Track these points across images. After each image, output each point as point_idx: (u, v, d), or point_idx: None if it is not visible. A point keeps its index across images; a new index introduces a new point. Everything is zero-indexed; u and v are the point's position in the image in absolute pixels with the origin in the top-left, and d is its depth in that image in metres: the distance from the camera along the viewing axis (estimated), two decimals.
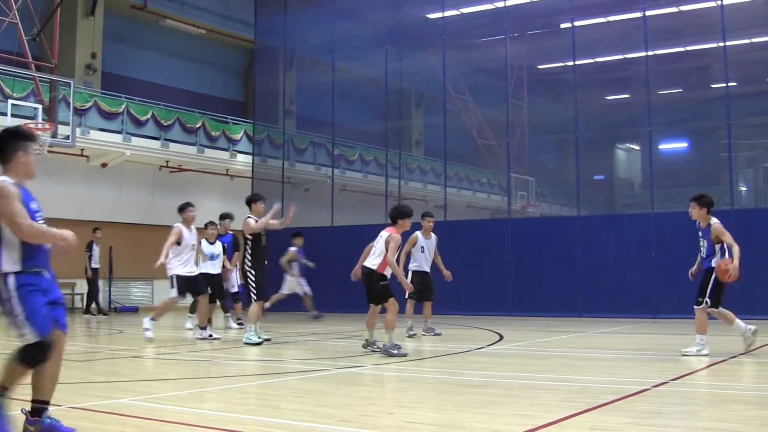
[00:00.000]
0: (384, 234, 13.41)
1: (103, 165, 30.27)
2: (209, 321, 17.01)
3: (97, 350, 14.57)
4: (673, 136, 39.54)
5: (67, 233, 6.33)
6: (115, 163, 30.24)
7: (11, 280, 6.20)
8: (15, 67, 24.32)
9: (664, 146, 38.44)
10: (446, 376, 10.62)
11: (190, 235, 16.84)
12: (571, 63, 26.72)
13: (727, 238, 12.05)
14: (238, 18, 37.07)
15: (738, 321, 12.38)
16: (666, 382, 9.46)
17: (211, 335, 16.41)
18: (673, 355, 12.20)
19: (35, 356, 6.29)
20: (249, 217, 15.45)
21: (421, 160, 39.23)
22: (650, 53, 25.78)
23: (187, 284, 16.57)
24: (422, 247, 17.32)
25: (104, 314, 26.74)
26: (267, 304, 20.23)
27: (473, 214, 38.74)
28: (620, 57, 33.62)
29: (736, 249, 11.94)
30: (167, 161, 31.77)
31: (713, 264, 12.17)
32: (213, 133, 32.89)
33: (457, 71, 31.94)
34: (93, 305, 26.40)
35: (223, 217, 19.69)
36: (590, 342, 16.07)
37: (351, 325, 20.12)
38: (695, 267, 12.64)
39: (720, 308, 12.28)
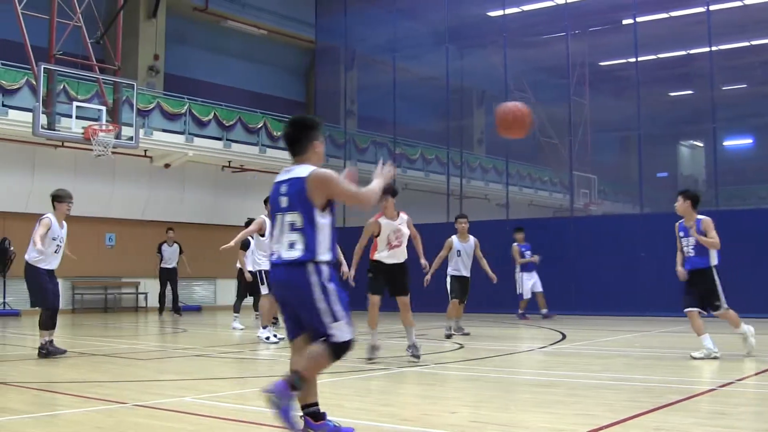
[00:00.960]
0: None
1: (166, 166, 30.54)
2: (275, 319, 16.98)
3: (162, 349, 14.70)
4: (738, 132, 38.96)
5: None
6: (178, 163, 30.48)
7: (326, 270, 6.10)
8: (79, 69, 24.64)
9: (728, 143, 37.91)
10: (509, 375, 10.58)
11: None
12: (633, 59, 26.52)
13: (714, 235, 11.86)
14: (298, 18, 37.19)
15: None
16: (732, 383, 9.34)
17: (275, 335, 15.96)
18: (738, 356, 12.03)
19: (344, 353, 6.20)
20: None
21: (482, 159, 39.09)
22: (714, 48, 25.48)
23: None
24: (458, 250, 17.01)
25: (178, 314, 26.82)
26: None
27: (535, 212, 38.54)
28: (683, 53, 33.29)
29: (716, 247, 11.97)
30: (229, 161, 31.96)
31: (712, 263, 11.98)
32: (275, 133, 33.01)
33: (519, 69, 31.79)
34: (169, 305, 26.64)
35: None
36: (654, 341, 15.91)
37: (418, 323, 20.09)
38: (682, 267, 12.33)
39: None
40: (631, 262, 23.77)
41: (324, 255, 6.09)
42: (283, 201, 6.33)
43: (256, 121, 32.44)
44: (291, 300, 6.17)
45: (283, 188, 6.40)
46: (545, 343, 14.88)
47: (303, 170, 6.42)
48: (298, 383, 5.98)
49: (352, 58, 34.13)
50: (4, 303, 26.21)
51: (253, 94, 36.84)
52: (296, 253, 6.08)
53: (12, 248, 25.94)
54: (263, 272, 16.11)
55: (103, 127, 23.42)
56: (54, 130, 23.09)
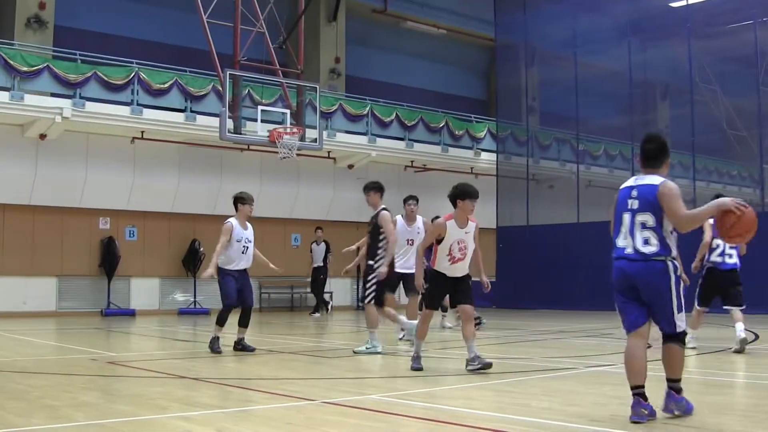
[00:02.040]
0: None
1: (350, 166, 30.91)
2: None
3: (347, 347, 14.86)
4: None
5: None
6: (361, 164, 30.81)
7: (677, 265, 7.09)
8: (263, 74, 25.17)
9: None
10: (701, 377, 10.28)
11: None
12: None
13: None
14: (478, 17, 37.09)
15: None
16: None
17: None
18: None
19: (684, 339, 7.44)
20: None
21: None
22: None
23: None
24: None
25: (326, 310, 27.22)
26: None
27: None
28: None
29: None
30: (412, 161, 32.13)
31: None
32: (456, 132, 33.03)
33: (704, 60, 30.90)
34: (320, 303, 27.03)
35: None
36: None
37: (599, 323, 19.80)
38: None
39: None
40: None
41: (675, 251, 7.05)
42: (634, 203, 7.13)
43: (438, 121, 32.52)
44: (645, 289, 7.07)
45: (634, 192, 7.19)
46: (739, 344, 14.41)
47: (655, 179, 7.17)
48: (678, 387, 7.24)
49: (533, 55, 33.83)
50: (195, 302, 27.03)
51: (434, 94, 36.95)
52: (653, 248, 6.99)
53: (201, 249, 26.73)
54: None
55: (288, 130, 23.83)
56: (240, 134, 23.63)
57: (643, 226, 7.03)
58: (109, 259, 25.98)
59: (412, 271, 13.97)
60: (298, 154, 24.48)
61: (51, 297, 25.63)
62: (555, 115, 34.02)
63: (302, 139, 24.34)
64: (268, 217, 28.16)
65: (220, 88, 24.03)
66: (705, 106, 31.78)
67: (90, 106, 24.14)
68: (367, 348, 13.03)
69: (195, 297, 27.18)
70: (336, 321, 24.21)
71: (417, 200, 16.00)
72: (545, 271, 27.94)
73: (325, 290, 27.51)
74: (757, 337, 15.52)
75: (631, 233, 7.09)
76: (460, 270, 10.81)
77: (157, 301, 27.01)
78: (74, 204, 25.76)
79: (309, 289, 27.88)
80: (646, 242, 7.00)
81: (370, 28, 35.75)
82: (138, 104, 25.02)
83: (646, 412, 6.93)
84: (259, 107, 24.18)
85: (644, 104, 32.83)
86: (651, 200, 7.03)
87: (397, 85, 36.05)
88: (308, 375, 10.84)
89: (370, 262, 13.23)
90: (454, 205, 11.02)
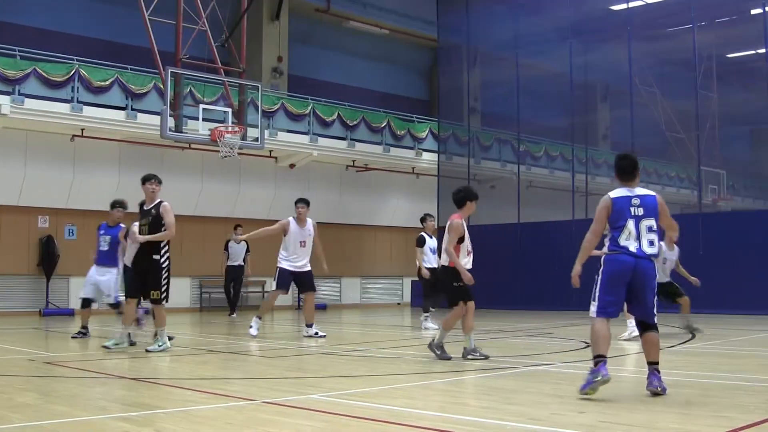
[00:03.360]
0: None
1: (291, 166, 30.88)
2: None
3: (289, 347, 14.85)
4: None
5: None
6: (303, 163, 30.80)
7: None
8: (205, 72, 25.03)
9: None
10: (638, 375, 10.41)
11: None
12: (763, 50, 25.85)
13: None
14: (420, 17, 37.23)
15: None
16: None
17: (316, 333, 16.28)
18: None
19: None
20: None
21: (608, 155, 38.52)
22: None
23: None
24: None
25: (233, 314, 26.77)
26: None
27: None
28: None
29: None
30: (354, 161, 32.17)
31: None
32: (398, 132, 33.12)
33: (644, 63, 31.24)
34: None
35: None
36: None
37: (538, 323, 19.96)
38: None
39: None
40: (763, 259, 23.16)
41: None
42: (639, 210, 8.53)
43: (380, 121, 32.59)
44: (639, 283, 8.46)
45: (636, 200, 8.57)
46: (675, 343, 14.61)
47: (648, 191, 8.78)
48: (659, 368, 8.48)
49: (475, 56, 34.02)
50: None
51: (376, 94, 37.03)
52: (655, 249, 8.51)
53: None
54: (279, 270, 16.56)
55: (229, 129, 23.73)
56: (181, 132, 23.49)
57: (650, 229, 8.50)
58: (48, 258, 25.73)
59: (306, 269, 16.42)
60: (239, 153, 24.39)
61: None
62: (496, 115, 34.22)
63: (244, 138, 24.24)
64: (209, 216, 28.07)
65: (162, 86, 23.87)
66: (644, 108, 32.14)
67: (29, 102, 23.89)
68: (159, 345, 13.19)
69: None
70: (275, 321, 24.14)
71: (307, 203, 17.07)
72: (485, 271, 27.97)
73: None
74: (693, 335, 15.74)
75: (638, 236, 8.46)
76: (470, 263, 12.09)
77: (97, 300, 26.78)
78: (12, 202, 25.47)
79: (224, 289, 26.97)
80: (651, 244, 8.46)
81: (312, 27, 35.73)
82: (78, 101, 24.81)
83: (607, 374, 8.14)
84: (201, 106, 24.04)
85: (585, 106, 33.11)
86: (653, 208, 8.60)
87: (339, 85, 36.08)
88: (249, 375, 10.83)
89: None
90: (462, 205, 12.23)
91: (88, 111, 24.95)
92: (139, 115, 25.68)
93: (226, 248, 25.99)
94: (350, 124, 31.35)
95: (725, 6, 28.77)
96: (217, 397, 8.44)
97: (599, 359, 8.22)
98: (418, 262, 19.15)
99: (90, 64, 25.56)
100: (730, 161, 37.22)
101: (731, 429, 6.41)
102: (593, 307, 8.55)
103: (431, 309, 19.21)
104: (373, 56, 38.13)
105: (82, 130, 25.35)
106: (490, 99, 34.49)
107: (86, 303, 16.69)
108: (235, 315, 25.54)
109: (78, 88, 24.89)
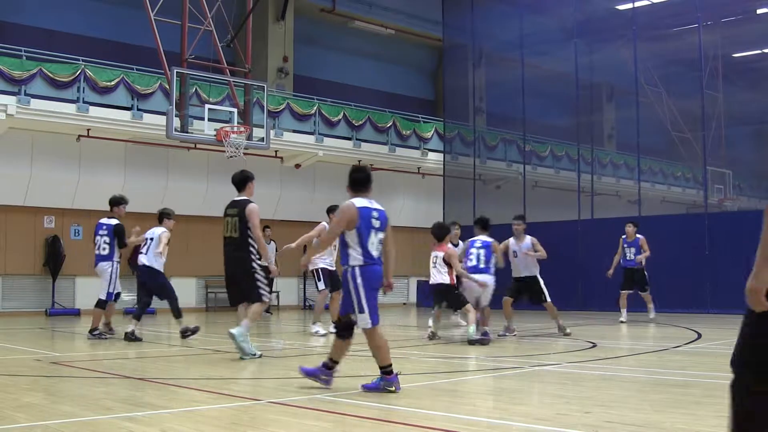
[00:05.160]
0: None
1: (297, 166, 30.89)
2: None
3: (294, 347, 14.86)
4: None
5: None
6: (309, 163, 30.81)
7: None
8: (211, 73, 25.07)
9: None
10: (644, 375, 10.40)
11: None
12: None
13: None
14: (426, 17, 37.23)
15: None
16: None
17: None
18: None
19: None
20: None
21: (613, 155, 38.51)
22: None
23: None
24: (514, 251, 17.12)
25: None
26: None
27: (668, 209, 37.77)
28: None
29: None
30: (359, 161, 32.12)
31: None
32: (404, 132, 33.12)
33: (649, 63, 31.23)
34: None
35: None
36: None
37: (544, 323, 19.96)
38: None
39: None
40: None
41: None
42: (377, 223, 8.92)
43: (385, 121, 32.59)
44: None
45: (375, 214, 8.97)
46: (680, 343, 14.59)
47: (378, 205, 9.18)
48: None
49: (480, 56, 34.00)
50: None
51: (382, 94, 37.05)
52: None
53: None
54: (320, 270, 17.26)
55: (235, 129, 23.75)
56: (187, 132, 23.51)
57: (380, 242, 9.07)
58: (53, 258, 25.76)
59: (334, 268, 17.45)
60: (245, 153, 24.40)
61: None
62: (502, 115, 34.21)
63: (249, 138, 24.27)
64: (214, 216, 27.97)
65: (167, 87, 23.90)
66: (650, 108, 32.16)
67: (35, 103, 23.92)
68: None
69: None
70: (283, 321, 24.16)
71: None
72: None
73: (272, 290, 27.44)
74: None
75: (376, 246, 8.97)
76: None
77: None
78: (18, 202, 25.50)
79: None
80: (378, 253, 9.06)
81: (318, 27, 35.74)
82: (84, 102, 24.84)
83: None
84: (207, 106, 24.06)
85: (590, 106, 33.09)
86: (386, 222, 9.20)
87: (344, 85, 36.09)
88: (255, 375, 10.82)
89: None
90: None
91: (94, 111, 24.98)
92: (144, 115, 25.71)
93: None
94: (356, 124, 31.37)
95: (731, 5, 28.75)
96: (223, 397, 8.44)
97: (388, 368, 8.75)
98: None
99: (96, 65, 25.59)
100: (736, 161, 37.21)
101: None
102: (371, 318, 8.88)
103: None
104: (378, 56, 38.15)
105: (88, 130, 25.38)
106: (495, 99, 34.48)
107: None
108: (270, 313, 25.96)
109: (84, 88, 24.92)
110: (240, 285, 12.64)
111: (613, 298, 21.33)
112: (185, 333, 15.89)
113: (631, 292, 20.61)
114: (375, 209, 9.01)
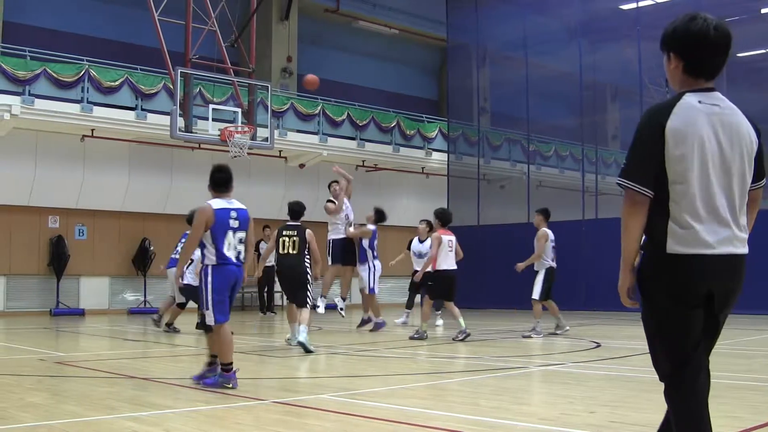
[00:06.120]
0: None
1: (301, 166, 30.88)
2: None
3: (297, 347, 14.87)
4: None
5: None
6: (313, 163, 30.79)
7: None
8: (215, 73, 25.07)
9: None
10: (648, 375, 10.36)
11: None
12: None
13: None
14: (429, 17, 37.20)
15: None
16: None
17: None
18: None
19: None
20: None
21: (617, 155, 38.41)
22: None
23: None
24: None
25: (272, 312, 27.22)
26: None
27: None
28: None
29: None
30: (363, 160, 32.15)
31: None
32: (408, 132, 33.10)
33: (653, 62, 31.09)
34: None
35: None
36: None
37: (548, 323, 19.95)
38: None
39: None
40: None
41: None
42: (236, 223, 9.43)
43: (389, 121, 32.58)
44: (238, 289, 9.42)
45: (233, 214, 9.52)
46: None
47: (239, 204, 9.78)
48: None
49: (484, 55, 33.97)
50: (145, 301, 26.83)
51: (386, 94, 37.03)
52: (242, 258, 9.37)
53: (152, 248, 26.62)
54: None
55: (239, 129, 23.75)
56: (191, 132, 23.50)
57: (240, 241, 9.54)
58: (58, 258, 25.75)
59: None
60: (249, 153, 24.39)
61: None
62: (506, 115, 34.18)
63: (253, 138, 24.26)
64: None
65: (171, 87, 23.88)
66: None
67: (39, 103, 23.91)
68: None
69: (145, 296, 26.99)
70: (284, 321, 24.14)
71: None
72: (496, 271, 28.03)
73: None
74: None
75: (236, 245, 9.50)
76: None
77: (107, 300, 26.79)
78: (23, 202, 25.51)
79: (259, 290, 27.48)
80: (239, 254, 9.54)
81: (322, 27, 35.74)
82: (88, 102, 24.82)
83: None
84: (210, 106, 24.05)
85: (594, 105, 33.04)
86: (246, 222, 9.73)
87: (348, 85, 36.07)
88: (259, 375, 10.83)
89: None
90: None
91: (98, 111, 24.97)
92: (148, 115, 25.69)
93: (258, 249, 26.17)
94: (360, 124, 31.35)
95: (735, 5, 28.65)
96: (227, 397, 8.45)
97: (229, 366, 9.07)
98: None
99: (100, 65, 25.59)
100: None
101: (742, 429, 6.40)
102: (215, 316, 9.10)
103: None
104: (382, 56, 38.14)
105: (92, 130, 25.37)
106: (499, 99, 34.45)
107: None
108: (275, 313, 26.12)
109: (88, 88, 24.91)
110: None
111: (616, 299, 21.32)
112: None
113: None
114: (234, 209, 9.53)
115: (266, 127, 24.93)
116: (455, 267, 15.78)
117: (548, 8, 31.31)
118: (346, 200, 17.88)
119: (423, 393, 8.95)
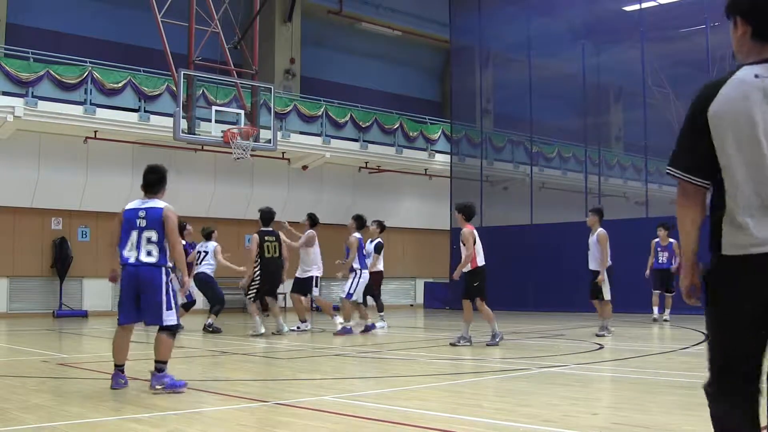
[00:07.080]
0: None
1: (304, 167, 30.88)
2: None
3: (301, 348, 14.87)
4: None
5: None
6: (316, 165, 30.80)
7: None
8: (218, 74, 25.09)
9: None
10: (651, 377, 10.38)
11: None
12: None
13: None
14: (433, 18, 37.21)
15: None
16: None
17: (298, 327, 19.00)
18: None
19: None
20: None
21: (621, 156, 38.44)
22: None
23: None
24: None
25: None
26: None
27: (675, 210, 37.67)
28: None
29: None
30: (366, 162, 32.15)
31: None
32: (411, 134, 33.10)
33: (656, 64, 31.14)
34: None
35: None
36: None
37: (551, 324, 19.95)
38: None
39: None
40: None
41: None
42: (143, 222, 9.38)
43: (393, 122, 32.59)
44: (143, 290, 9.05)
45: (142, 213, 9.52)
46: (687, 344, 14.56)
47: (158, 203, 9.82)
48: None
49: (487, 57, 33.97)
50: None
51: (389, 95, 37.04)
52: (153, 259, 9.15)
53: None
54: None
55: (242, 131, 23.77)
56: (194, 134, 23.54)
57: (149, 240, 9.47)
58: (61, 260, 25.78)
59: None
60: (252, 155, 24.41)
61: (2, 298, 25.38)
62: (509, 117, 34.18)
63: (257, 139, 24.28)
64: (221, 217, 28.02)
65: (174, 88, 23.91)
66: (657, 109, 32.06)
67: (42, 105, 23.94)
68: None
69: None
70: (288, 322, 24.14)
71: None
72: (499, 273, 28.00)
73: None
74: None
75: (138, 246, 9.40)
76: None
77: (110, 302, 26.74)
78: (26, 204, 25.54)
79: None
80: (149, 254, 9.36)
81: (325, 29, 35.75)
82: (91, 104, 24.86)
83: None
84: (214, 107, 24.10)
85: (597, 107, 33.05)
86: (155, 220, 9.71)
87: (351, 87, 36.08)
88: (262, 376, 10.83)
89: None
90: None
91: (101, 113, 25.00)
92: (151, 117, 25.72)
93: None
94: (363, 126, 31.36)
95: None
96: (230, 398, 8.45)
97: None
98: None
99: (103, 67, 25.62)
100: None
101: None
102: (119, 316, 9.26)
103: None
104: (385, 58, 38.13)
105: (95, 132, 25.39)
106: (502, 100, 34.46)
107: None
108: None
109: (91, 90, 24.95)
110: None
111: (620, 300, 21.33)
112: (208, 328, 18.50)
113: (659, 292, 20.84)
114: (143, 208, 9.54)
115: (269, 128, 24.95)
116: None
117: (551, 10, 31.31)
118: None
119: (425, 395, 8.94)
